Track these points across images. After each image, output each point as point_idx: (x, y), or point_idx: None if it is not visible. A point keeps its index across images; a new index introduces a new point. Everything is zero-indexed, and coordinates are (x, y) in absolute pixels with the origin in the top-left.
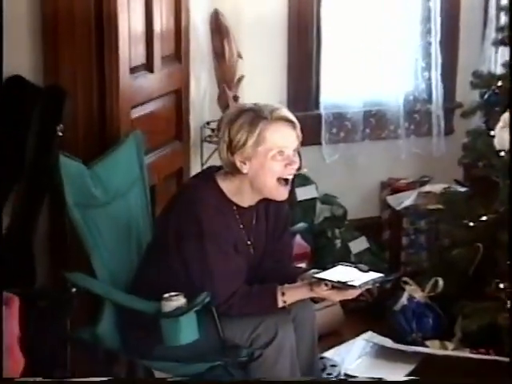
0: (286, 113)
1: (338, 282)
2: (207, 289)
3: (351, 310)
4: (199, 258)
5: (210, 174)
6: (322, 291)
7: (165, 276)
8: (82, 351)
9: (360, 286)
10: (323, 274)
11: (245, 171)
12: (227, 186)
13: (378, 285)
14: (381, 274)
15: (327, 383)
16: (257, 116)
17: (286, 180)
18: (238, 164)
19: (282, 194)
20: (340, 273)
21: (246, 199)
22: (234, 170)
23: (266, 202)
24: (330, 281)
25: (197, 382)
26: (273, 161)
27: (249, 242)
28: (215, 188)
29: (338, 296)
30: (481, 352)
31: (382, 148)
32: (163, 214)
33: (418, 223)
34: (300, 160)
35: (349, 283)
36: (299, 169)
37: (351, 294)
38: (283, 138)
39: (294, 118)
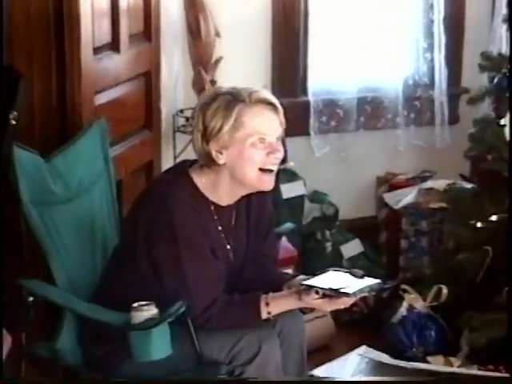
0: (266, 95)
1: (330, 289)
2: (182, 298)
3: (344, 321)
4: (172, 263)
5: (183, 168)
6: (312, 300)
7: (134, 283)
8: (39, 368)
9: (355, 294)
10: (313, 281)
11: (221, 161)
12: (203, 181)
13: (374, 293)
14: (378, 280)
15: (326, 383)
16: (234, 99)
17: (270, 170)
18: (214, 154)
19: (266, 183)
20: (332, 279)
21: (224, 196)
22: (209, 162)
23: (247, 200)
24: (320, 288)
25: (196, 382)
26: (252, 148)
27: (228, 246)
28: (189, 184)
29: (329, 305)
30: (490, 369)
31: (378, 139)
32: (131, 214)
33: (419, 224)
34: (285, 151)
35: (342, 290)
36: (284, 161)
37: (345, 303)
38: (264, 122)
39: (276, 101)
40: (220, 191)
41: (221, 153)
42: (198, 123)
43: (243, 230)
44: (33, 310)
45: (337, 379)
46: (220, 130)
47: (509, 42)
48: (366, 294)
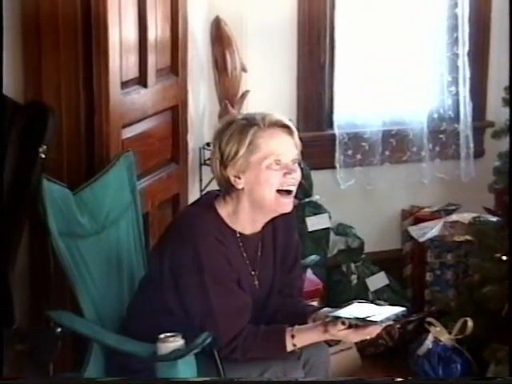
0: (279, 117)
1: (356, 318)
2: (208, 329)
3: (369, 354)
4: (198, 294)
5: (208, 199)
6: (338, 332)
7: (160, 315)
8: None
9: (382, 322)
10: (338, 312)
11: (240, 186)
12: (226, 211)
13: (400, 322)
14: (403, 308)
15: (329, 383)
16: (248, 123)
17: (288, 191)
18: (232, 179)
19: (284, 205)
20: (357, 310)
21: (247, 224)
22: (228, 188)
23: (273, 230)
24: (347, 318)
25: (196, 382)
26: (269, 170)
27: (254, 276)
28: (214, 215)
29: (356, 336)
30: None
31: (403, 172)
32: (157, 246)
33: (444, 257)
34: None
35: (369, 319)
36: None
37: (371, 333)
38: (278, 144)
39: (289, 123)
40: (242, 219)
41: (239, 177)
42: (215, 150)
43: (270, 260)
44: (61, 341)
45: (336, 379)
46: (236, 154)
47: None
48: (391, 322)
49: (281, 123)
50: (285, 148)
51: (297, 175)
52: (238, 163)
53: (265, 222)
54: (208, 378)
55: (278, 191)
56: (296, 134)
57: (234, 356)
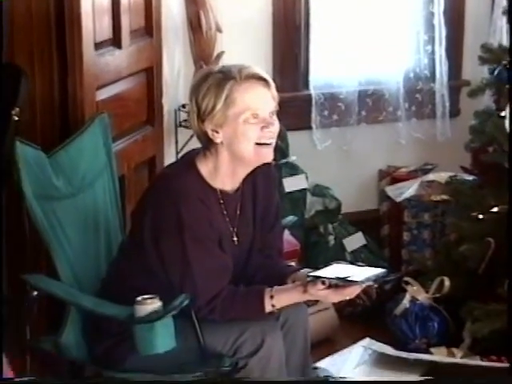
0: (257, 70)
1: (337, 278)
2: (187, 290)
3: (347, 314)
4: (178, 255)
5: (189, 158)
6: (318, 291)
7: (140, 276)
8: (43, 363)
9: (362, 282)
10: (318, 273)
11: (218, 140)
12: (206, 167)
13: (380, 281)
14: (383, 270)
15: (326, 383)
16: (224, 77)
17: (267, 144)
18: (210, 133)
19: (264, 155)
20: (337, 270)
21: (227, 179)
22: (207, 142)
23: (253, 189)
24: (327, 278)
25: (196, 382)
26: (246, 124)
27: (234, 234)
28: (195, 174)
29: (336, 296)
30: (492, 360)
31: (379, 132)
32: (139, 205)
33: (421, 216)
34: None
35: (349, 279)
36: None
37: (351, 293)
38: (255, 98)
39: (266, 76)
40: (222, 173)
41: (217, 131)
42: (192, 104)
43: (249, 217)
44: (37, 305)
45: (335, 379)
46: (213, 108)
47: (509, 33)
48: (372, 283)
49: (258, 76)
50: (262, 101)
51: (275, 128)
52: (216, 117)
53: (246, 174)
54: (210, 378)
55: (257, 144)
56: (273, 86)
57: (213, 316)
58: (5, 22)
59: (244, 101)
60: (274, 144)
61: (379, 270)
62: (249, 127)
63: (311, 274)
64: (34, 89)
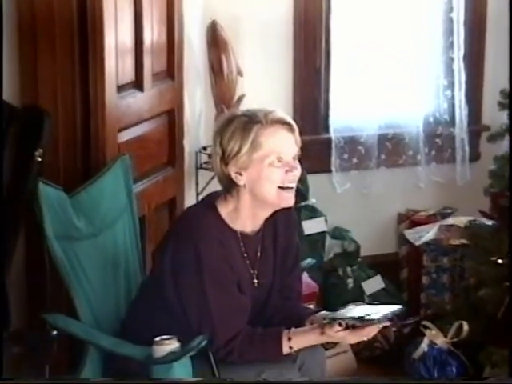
0: (282, 115)
1: (353, 318)
2: (205, 330)
3: (365, 358)
4: (197, 295)
5: (210, 200)
6: (335, 333)
7: (159, 316)
8: None
9: (379, 320)
10: (335, 314)
11: (241, 183)
12: (226, 209)
13: (396, 325)
14: (399, 306)
15: (327, 383)
16: (250, 121)
17: (289, 188)
18: (234, 176)
19: (286, 199)
20: (353, 310)
21: (248, 222)
22: (229, 185)
23: (273, 231)
24: (344, 319)
25: (191, 382)
26: (271, 168)
27: (254, 276)
28: (215, 216)
29: (353, 337)
30: None
31: (399, 176)
32: (160, 245)
33: (440, 260)
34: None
35: (366, 318)
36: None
37: (368, 333)
38: (280, 142)
39: (291, 121)
40: (243, 216)
41: (240, 174)
42: (216, 147)
43: (270, 259)
44: (56, 344)
45: (332, 380)
46: (238, 151)
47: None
48: (388, 322)
49: (283, 120)
50: (286, 145)
51: (297, 172)
52: (241, 160)
53: (266, 216)
54: (202, 378)
55: (279, 188)
56: (297, 130)
57: (231, 358)
58: (30, 59)
59: (269, 145)
60: (295, 188)
61: (396, 307)
62: (273, 170)
63: (328, 316)
64: (57, 130)
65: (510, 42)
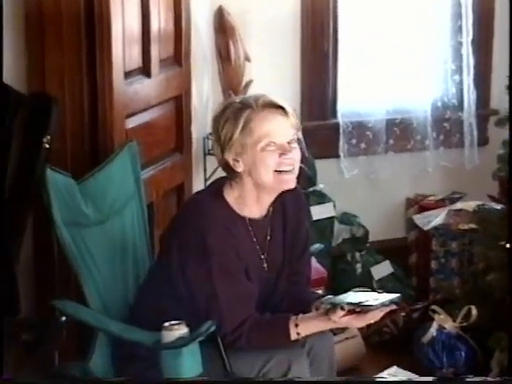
0: (273, 98)
1: (352, 303)
2: (213, 316)
3: (374, 342)
4: (205, 282)
5: (217, 187)
6: (340, 318)
7: (167, 302)
8: None
9: (376, 306)
10: (334, 299)
11: (240, 169)
12: (233, 196)
13: (402, 309)
14: (398, 295)
15: (330, 383)
16: (242, 106)
17: (287, 171)
18: (232, 162)
19: (285, 182)
20: (352, 296)
21: (254, 207)
22: (231, 172)
23: (282, 215)
24: (344, 303)
25: (197, 383)
26: (263, 152)
27: (263, 260)
28: (222, 202)
29: (359, 321)
30: None
31: (407, 161)
32: (167, 231)
33: (449, 245)
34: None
35: (365, 303)
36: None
37: (374, 317)
38: (272, 126)
39: (284, 104)
40: (248, 202)
41: (237, 160)
42: (214, 135)
43: (279, 244)
44: (65, 330)
45: (336, 379)
46: (231, 138)
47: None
48: (387, 308)
49: (275, 104)
50: (279, 129)
51: (293, 155)
52: (234, 146)
53: (271, 200)
54: (207, 378)
55: (276, 171)
56: (291, 114)
57: (239, 344)
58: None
59: (261, 129)
60: (295, 171)
61: (393, 295)
62: (267, 155)
63: (327, 301)
64: (65, 117)
65: (510, 34)
